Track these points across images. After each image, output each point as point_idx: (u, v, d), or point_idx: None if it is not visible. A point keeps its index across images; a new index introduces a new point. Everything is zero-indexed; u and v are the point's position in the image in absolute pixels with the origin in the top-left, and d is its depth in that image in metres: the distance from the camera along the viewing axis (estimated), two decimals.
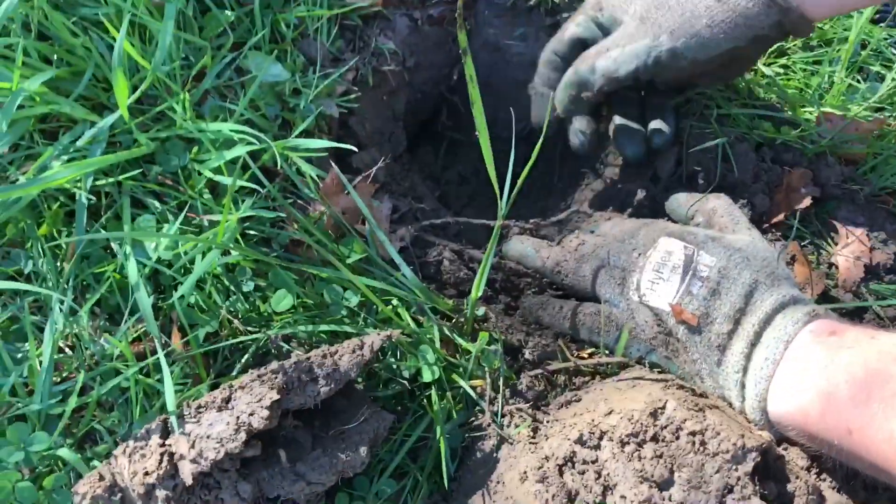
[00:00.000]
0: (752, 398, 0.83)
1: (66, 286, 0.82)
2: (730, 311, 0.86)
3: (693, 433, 0.77)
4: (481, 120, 0.77)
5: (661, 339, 0.91)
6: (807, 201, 1.07)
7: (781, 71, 1.24)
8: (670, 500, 0.74)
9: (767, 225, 1.09)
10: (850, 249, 1.07)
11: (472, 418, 0.88)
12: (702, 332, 0.87)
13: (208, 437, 0.71)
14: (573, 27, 1.09)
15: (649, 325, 0.92)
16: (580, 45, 1.08)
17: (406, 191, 1.18)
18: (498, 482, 0.80)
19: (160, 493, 0.71)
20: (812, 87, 1.22)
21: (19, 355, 0.79)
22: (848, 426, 0.73)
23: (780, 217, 1.08)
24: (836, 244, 1.09)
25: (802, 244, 1.08)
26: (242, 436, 0.70)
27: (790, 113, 1.18)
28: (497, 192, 0.83)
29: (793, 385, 0.79)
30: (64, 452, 0.76)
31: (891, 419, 0.70)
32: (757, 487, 0.75)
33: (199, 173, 0.89)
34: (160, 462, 0.71)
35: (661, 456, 0.76)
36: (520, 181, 0.85)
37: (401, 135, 1.21)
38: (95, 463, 0.77)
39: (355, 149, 0.91)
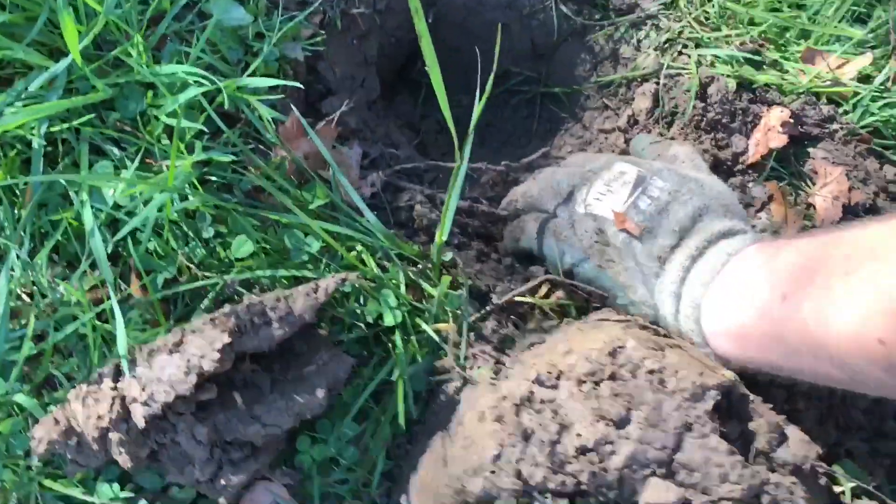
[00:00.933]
0: (686, 306, 0.84)
1: (22, 233, 0.82)
2: (675, 227, 0.87)
3: (651, 371, 0.76)
4: (429, 48, 0.74)
5: (597, 249, 0.91)
6: (783, 139, 1.05)
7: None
8: (627, 438, 0.74)
9: (744, 166, 1.07)
10: (828, 189, 1.06)
11: (439, 362, 0.88)
12: (643, 242, 0.88)
13: (159, 380, 0.71)
14: None
15: (588, 234, 0.92)
16: None
17: (380, 138, 1.16)
18: (458, 423, 0.80)
19: (114, 437, 0.72)
20: (800, 23, 1.19)
21: None
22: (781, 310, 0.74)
23: (758, 157, 1.06)
24: (815, 184, 1.07)
25: (780, 184, 1.06)
26: (193, 378, 0.70)
27: (772, 52, 1.15)
28: (452, 131, 0.82)
29: (732, 300, 0.80)
30: (20, 398, 0.76)
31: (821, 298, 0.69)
32: (716, 426, 0.75)
33: (157, 118, 0.88)
34: (112, 406, 0.71)
35: (618, 395, 0.75)
36: (474, 117, 0.84)
37: (374, 81, 1.19)
38: (53, 408, 0.77)
39: (298, 85, 0.89)
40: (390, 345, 0.88)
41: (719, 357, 0.83)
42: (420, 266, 0.93)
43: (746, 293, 0.79)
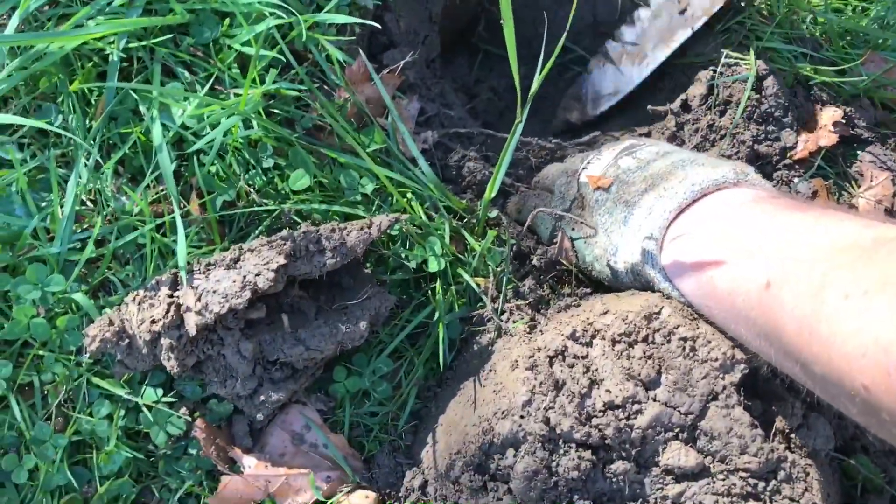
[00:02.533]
0: (645, 241, 0.81)
1: (92, 143, 0.85)
2: (649, 175, 0.86)
3: (684, 339, 0.78)
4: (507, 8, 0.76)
5: (574, 213, 0.93)
6: (833, 138, 1.06)
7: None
8: (654, 400, 0.76)
9: (791, 160, 1.08)
10: (872, 192, 1.07)
11: (473, 313, 0.91)
12: (612, 192, 0.88)
13: (214, 291, 0.74)
14: None
15: (569, 203, 0.94)
16: None
17: (435, 96, 1.18)
18: (490, 370, 0.83)
19: (165, 342, 0.75)
20: (863, 26, 1.19)
21: (43, 204, 0.83)
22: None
23: (805, 154, 1.07)
24: (860, 186, 1.08)
25: (825, 182, 1.07)
26: (247, 294, 0.73)
27: (832, 52, 1.15)
28: (518, 92, 0.83)
29: (701, 239, 0.77)
30: (78, 297, 0.79)
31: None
32: (742, 398, 0.77)
33: (230, 48, 0.90)
34: (167, 312, 0.74)
35: (650, 357, 0.78)
36: (535, 84, 0.85)
37: (435, 39, 1.21)
38: (107, 310, 0.80)
39: (377, 25, 0.93)
40: (430, 291, 0.90)
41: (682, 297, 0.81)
42: (465, 220, 0.95)
43: (721, 249, 0.74)
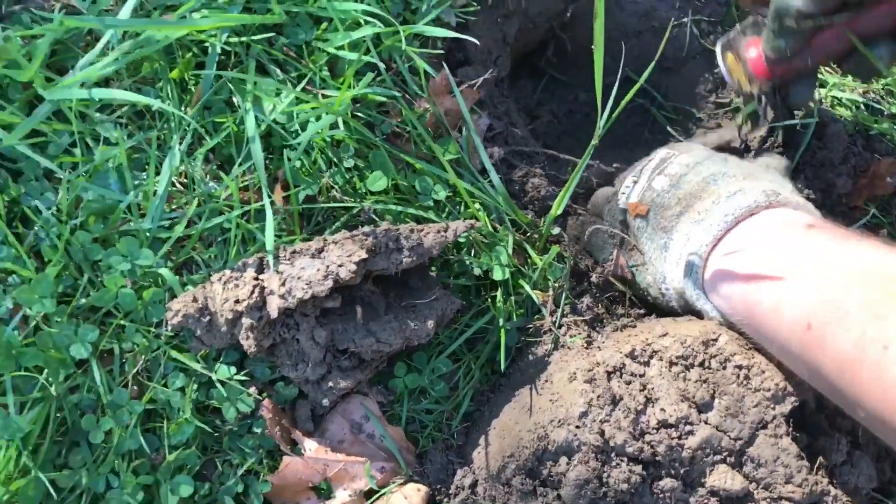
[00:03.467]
0: (685, 270, 0.84)
1: (186, 128, 0.89)
2: (682, 195, 0.88)
3: (739, 367, 0.81)
4: (600, 28, 0.80)
5: (620, 242, 0.97)
6: (889, 188, 1.09)
7: None
8: (706, 423, 0.79)
9: (846, 207, 1.11)
10: None
11: (530, 325, 0.94)
12: (651, 219, 0.91)
13: (299, 278, 0.77)
14: None
15: (616, 225, 0.98)
16: None
17: (501, 114, 1.22)
18: (547, 380, 0.86)
19: (245, 321, 0.79)
20: None
21: (137, 182, 0.87)
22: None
23: (860, 202, 1.10)
24: None
25: (878, 231, 1.10)
26: (329, 283, 0.77)
27: (893, 107, 1.19)
28: (598, 107, 0.86)
29: (743, 270, 0.79)
30: (164, 272, 0.83)
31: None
32: (790, 429, 0.79)
33: (321, 50, 0.95)
34: (251, 293, 0.78)
35: (705, 381, 0.80)
36: (615, 113, 0.89)
37: (506, 60, 1.25)
38: (190, 287, 0.84)
39: (474, 40, 0.97)
40: (490, 299, 0.94)
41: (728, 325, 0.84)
42: (528, 234, 0.99)
43: (759, 283, 0.76)
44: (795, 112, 1.14)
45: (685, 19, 1.24)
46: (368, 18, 0.92)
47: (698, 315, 0.89)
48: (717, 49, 1.05)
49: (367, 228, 0.82)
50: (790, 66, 0.97)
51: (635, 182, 0.98)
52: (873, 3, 0.89)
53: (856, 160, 1.12)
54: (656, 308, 0.99)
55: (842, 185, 1.11)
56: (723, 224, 0.82)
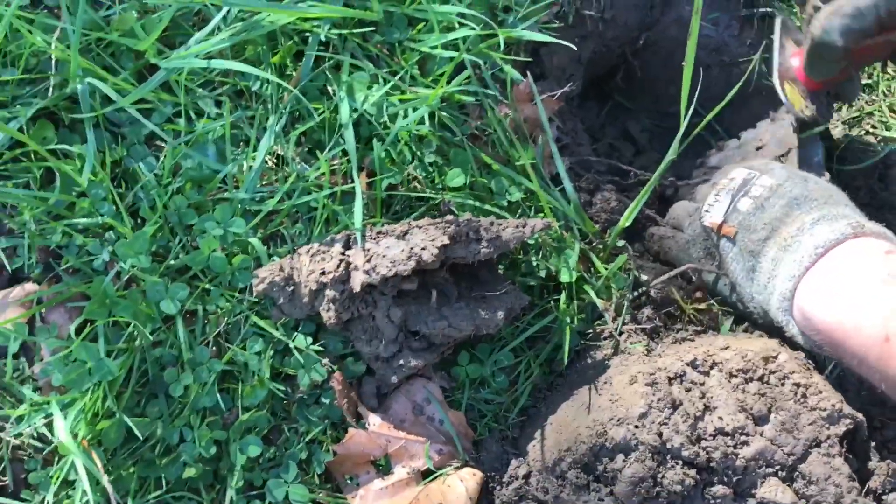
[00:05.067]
0: (777, 299, 0.87)
1: (283, 111, 0.94)
2: (768, 220, 0.91)
3: (798, 385, 0.83)
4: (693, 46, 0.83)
5: (709, 259, 1.00)
6: None
7: None
8: (762, 435, 0.81)
9: None
10: None
11: (590, 330, 0.97)
12: (738, 241, 0.94)
13: (383, 256, 0.81)
14: None
15: (699, 247, 1.01)
16: None
17: (569, 130, 1.26)
18: (606, 382, 0.88)
19: (329, 293, 0.82)
20: None
21: (234, 156, 0.91)
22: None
23: None
24: None
25: None
26: (412, 264, 0.80)
27: None
28: (682, 116, 0.90)
29: (828, 295, 0.82)
30: (254, 241, 0.88)
31: None
32: (843, 450, 0.82)
33: (413, 50, 0.99)
34: (338, 266, 0.82)
35: (763, 395, 0.83)
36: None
37: (579, 78, 1.29)
38: (277, 258, 0.88)
39: (570, 45, 1.02)
40: (552, 301, 0.97)
41: (814, 347, 0.87)
42: (593, 244, 1.02)
43: (845, 305, 0.80)
44: (861, 157, 1.17)
45: (754, 56, 1.28)
46: (464, 21, 0.97)
47: (778, 332, 0.92)
48: (775, 80, 1.09)
49: (449, 217, 0.86)
50: (836, 79, 1.03)
51: (717, 201, 1.00)
52: None
53: None
54: (709, 327, 1.01)
55: None
56: (813, 255, 0.85)
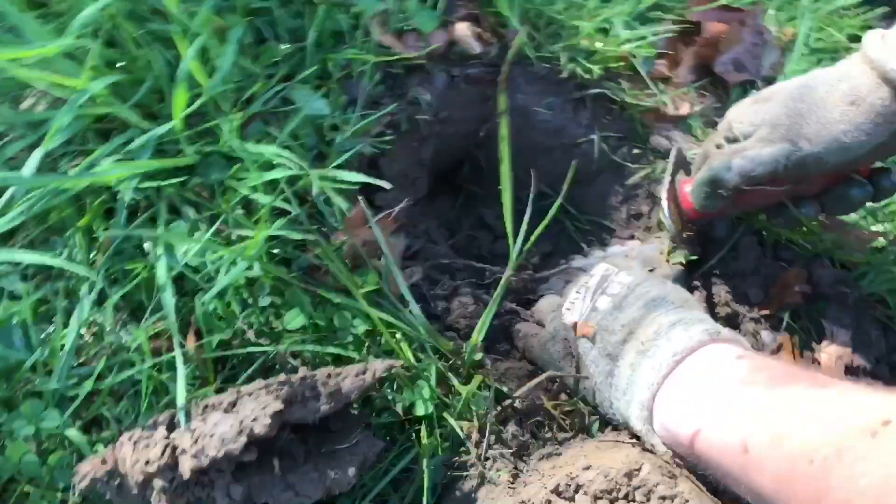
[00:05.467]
0: (635, 408, 0.87)
1: (96, 277, 0.87)
2: (626, 321, 0.92)
3: (663, 497, 0.81)
4: (506, 177, 0.82)
5: (568, 358, 0.98)
6: (797, 297, 1.12)
7: None
8: None
9: (758, 315, 1.14)
10: (833, 349, 1.13)
11: (456, 458, 0.93)
12: (597, 343, 0.93)
13: (211, 435, 0.75)
14: (713, 167, 1.01)
15: (560, 346, 0.99)
16: None
17: (421, 233, 1.23)
18: None
19: (157, 484, 0.76)
20: None
21: (43, 336, 0.84)
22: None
23: (772, 310, 1.14)
24: (822, 342, 1.14)
25: (791, 336, 1.13)
26: (243, 439, 0.75)
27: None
28: (511, 241, 0.88)
29: (686, 405, 0.83)
30: (72, 433, 0.80)
31: None
32: None
33: (235, 190, 0.95)
34: (163, 453, 0.75)
35: None
36: (533, 237, 0.91)
37: (424, 180, 1.27)
38: (99, 447, 0.81)
39: (387, 185, 0.96)
40: (414, 434, 0.92)
41: (675, 457, 0.86)
42: (451, 362, 0.99)
43: (702, 414, 0.80)
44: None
45: (593, 136, 1.29)
46: (282, 159, 0.93)
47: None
48: (663, 198, 1.11)
49: (282, 377, 0.81)
50: (713, 214, 1.08)
51: (578, 298, 1.00)
52: (802, 180, 0.98)
53: (766, 270, 1.16)
54: (581, 430, 0.99)
55: (754, 296, 1.14)
56: (671, 362, 0.85)
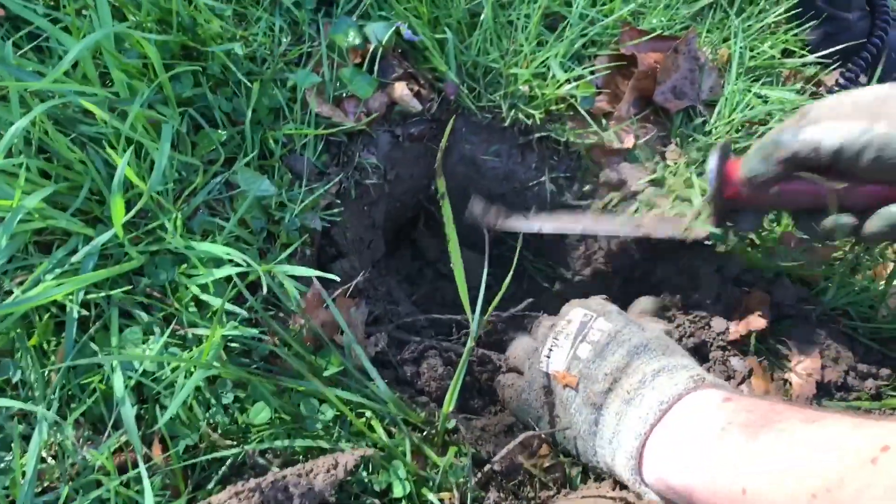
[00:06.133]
0: (622, 457, 0.87)
1: (52, 396, 0.85)
2: (609, 370, 0.91)
3: None
4: (457, 256, 0.81)
5: (548, 407, 0.98)
6: (762, 323, 1.13)
7: None
8: None
9: (725, 342, 1.15)
10: (803, 366, 1.13)
11: None
12: (580, 391, 0.93)
13: None
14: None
15: (538, 393, 0.98)
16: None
17: (383, 296, 1.23)
18: None
19: None
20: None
21: (2, 465, 0.82)
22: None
23: (737, 336, 1.14)
24: (791, 361, 1.14)
25: (759, 360, 1.14)
26: None
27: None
28: (469, 312, 0.88)
29: (677, 453, 0.82)
30: None
31: None
32: None
33: (187, 287, 0.93)
34: None
35: None
36: (492, 306, 0.90)
37: (380, 242, 1.26)
38: None
39: (337, 278, 0.95)
40: None
41: None
42: (425, 433, 0.98)
43: (692, 466, 0.80)
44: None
45: (542, 178, 1.29)
46: (230, 255, 0.92)
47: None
48: (714, 156, 1.04)
49: (252, 483, 0.79)
50: (756, 194, 1.00)
51: (556, 346, 0.99)
52: (859, 180, 0.92)
53: (727, 298, 1.17)
54: (563, 485, 0.98)
55: (717, 325, 1.15)
56: (657, 412, 0.85)
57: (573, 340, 0.98)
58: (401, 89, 1.20)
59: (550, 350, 1.00)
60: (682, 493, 0.81)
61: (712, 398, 0.85)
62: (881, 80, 1.32)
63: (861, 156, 0.88)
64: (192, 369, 0.86)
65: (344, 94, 1.17)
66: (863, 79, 1.36)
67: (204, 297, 0.89)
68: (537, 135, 1.27)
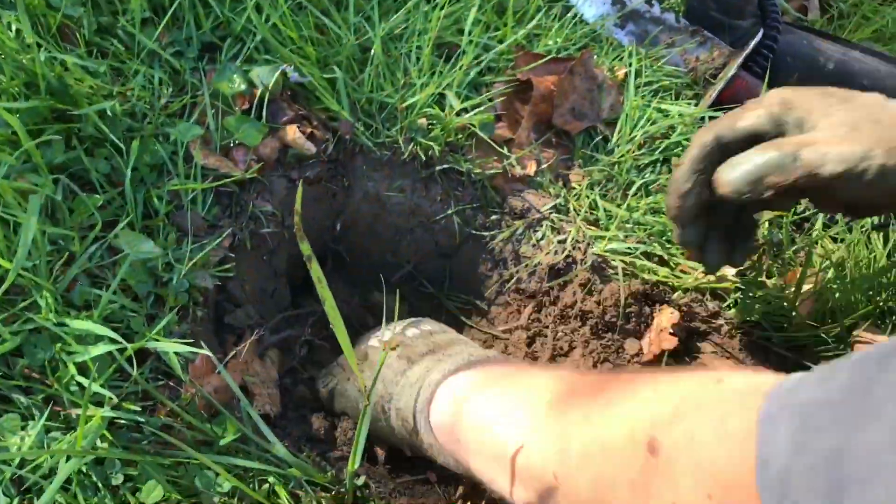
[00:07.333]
0: (419, 400, 0.96)
1: None
2: (432, 342, 1.04)
3: None
4: (338, 323, 0.78)
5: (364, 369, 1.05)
6: (674, 341, 1.12)
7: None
8: None
9: (640, 364, 1.14)
10: None
11: None
12: (397, 350, 1.03)
13: None
14: (752, 118, 0.93)
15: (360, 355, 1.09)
16: (752, 140, 0.93)
17: (291, 343, 1.20)
18: None
19: None
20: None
21: None
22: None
23: (651, 356, 1.13)
24: None
25: None
26: None
27: (660, 251, 1.23)
28: (357, 372, 0.84)
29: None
30: None
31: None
32: None
33: (66, 365, 0.89)
34: None
35: None
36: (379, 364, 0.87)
37: (284, 289, 1.23)
38: None
39: (208, 352, 0.92)
40: None
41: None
42: (334, 492, 0.94)
43: (469, 416, 0.89)
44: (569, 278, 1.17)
45: (449, 211, 1.27)
46: (102, 332, 0.87)
47: (411, 435, 0.97)
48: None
49: None
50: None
51: (388, 330, 1.08)
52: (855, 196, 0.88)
53: (638, 319, 1.16)
54: None
55: (630, 347, 1.14)
56: (465, 361, 0.96)
57: (403, 325, 1.08)
58: (293, 132, 1.17)
59: (376, 337, 1.09)
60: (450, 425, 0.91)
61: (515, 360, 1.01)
62: (771, 86, 1.33)
63: (858, 181, 0.84)
64: (69, 459, 0.81)
65: (231, 143, 1.13)
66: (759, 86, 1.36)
67: (79, 378, 0.85)
68: (439, 167, 1.25)
